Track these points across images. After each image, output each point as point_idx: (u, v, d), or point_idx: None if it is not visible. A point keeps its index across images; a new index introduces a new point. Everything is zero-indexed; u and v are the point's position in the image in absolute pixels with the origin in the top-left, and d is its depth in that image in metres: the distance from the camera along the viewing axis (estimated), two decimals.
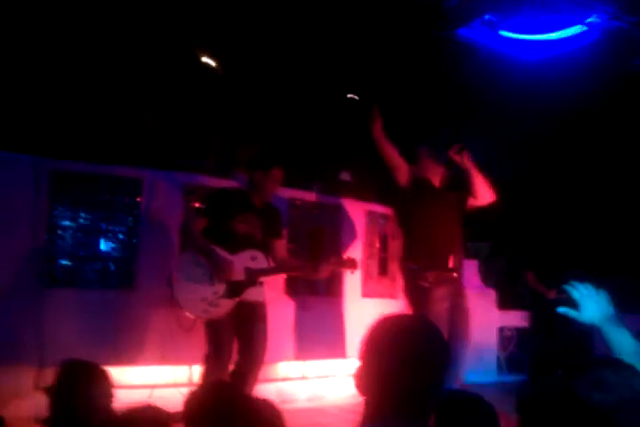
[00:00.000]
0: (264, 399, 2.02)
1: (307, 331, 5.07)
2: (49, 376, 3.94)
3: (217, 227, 3.75)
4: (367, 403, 1.47)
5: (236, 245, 3.73)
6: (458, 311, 4.12)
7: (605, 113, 7.07)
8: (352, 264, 3.97)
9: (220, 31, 5.58)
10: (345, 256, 4.20)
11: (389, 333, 1.48)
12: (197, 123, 5.48)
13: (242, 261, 3.72)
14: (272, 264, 3.90)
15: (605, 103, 6.95)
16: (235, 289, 3.69)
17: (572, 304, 1.94)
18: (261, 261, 3.80)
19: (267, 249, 3.88)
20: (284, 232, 4.28)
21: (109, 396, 2.23)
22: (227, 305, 3.67)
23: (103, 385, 2.23)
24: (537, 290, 5.28)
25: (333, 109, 6.47)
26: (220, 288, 3.66)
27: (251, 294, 3.76)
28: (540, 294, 5.25)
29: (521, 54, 6.94)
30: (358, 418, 1.49)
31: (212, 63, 5.69)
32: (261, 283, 3.83)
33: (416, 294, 4.09)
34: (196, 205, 4.55)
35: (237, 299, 3.69)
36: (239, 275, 3.70)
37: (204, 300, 3.62)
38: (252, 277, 3.73)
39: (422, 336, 1.48)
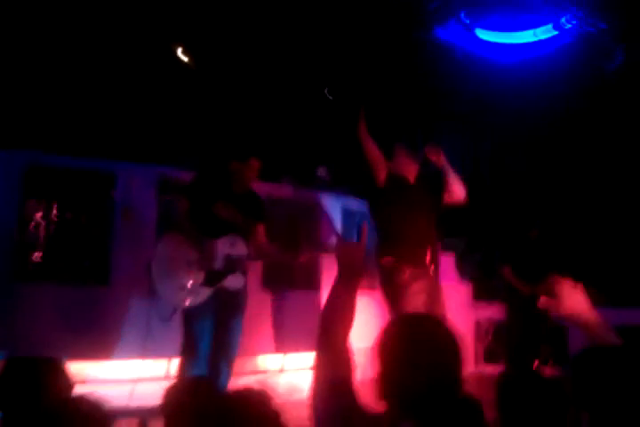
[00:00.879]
0: (251, 390, 1.91)
1: (286, 323, 5.06)
2: None
3: (198, 210, 3.67)
4: (392, 406, 1.47)
5: (217, 230, 3.67)
6: (434, 305, 4.14)
7: (580, 113, 7.21)
8: (331, 249, 3.96)
9: (195, 26, 5.56)
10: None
11: (405, 336, 1.50)
12: (172, 116, 5.44)
13: (222, 247, 3.67)
14: (251, 250, 3.82)
15: (580, 104, 7.09)
16: (214, 277, 3.63)
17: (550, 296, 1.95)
18: (240, 248, 3.74)
19: (247, 235, 3.81)
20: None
21: (66, 389, 2.08)
22: (206, 293, 3.60)
23: (55, 378, 2.08)
24: (512, 284, 5.34)
25: (312, 106, 6.50)
26: (200, 276, 3.60)
27: (231, 282, 3.70)
28: (515, 288, 5.31)
29: (496, 56, 7.05)
30: None
31: (185, 58, 5.67)
32: (243, 271, 3.78)
33: (392, 289, 4.10)
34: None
35: (217, 287, 3.63)
36: (219, 262, 3.64)
37: (183, 288, 3.55)
38: (232, 264, 3.68)
39: (440, 337, 1.50)
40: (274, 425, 1.62)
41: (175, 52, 5.68)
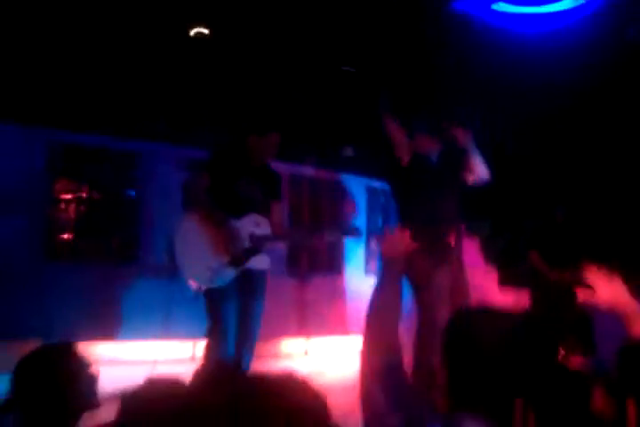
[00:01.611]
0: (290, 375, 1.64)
1: (308, 307, 5.08)
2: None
3: (219, 188, 3.57)
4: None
5: (240, 208, 3.57)
6: (458, 290, 4.12)
7: (606, 86, 7.02)
8: (356, 232, 3.96)
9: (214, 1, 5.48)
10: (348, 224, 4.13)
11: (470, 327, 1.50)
12: (196, 95, 5.39)
13: (246, 227, 3.56)
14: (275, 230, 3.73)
15: (606, 76, 6.90)
16: (240, 257, 3.54)
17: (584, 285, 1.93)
18: (265, 227, 3.64)
19: (267, 213, 3.72)
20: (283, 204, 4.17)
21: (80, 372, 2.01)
22: (231, 274, 3.52)
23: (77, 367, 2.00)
24: (539, 270, 5.28)
25: (331, 83, 6.42)
26: (225, 256, 3.51)
27: (256, 262, 3.61)
28: (542, 274, 5.25)
29: (517, 28, 6.86)
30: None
31: (205, 31, 5.60)
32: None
33: (415, 273, 4.07)
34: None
35: (242, 267, 3.54)
36: (244, 241, 3.54)
37: (209, 268, 3.47)
38: (257, 244, 3.58)
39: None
40: (319, 411, 1.59)
41: (194, 26, 5.62)
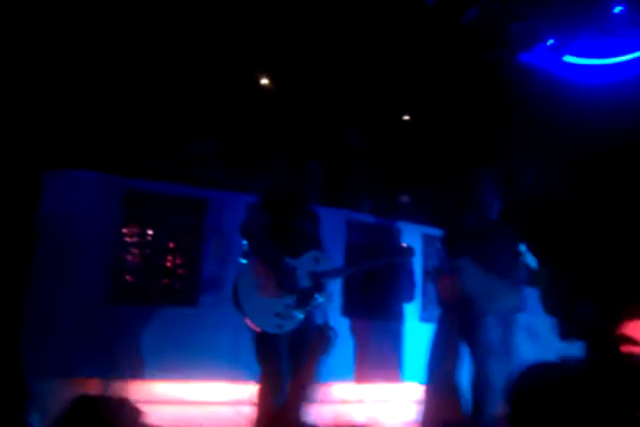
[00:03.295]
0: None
1: (363, 353, 5.08)
2: (116, 389, 4.14)
3: (277, 225, 3.53)
4: None
5: (299, 245, 3.55)
6: None
7: None
8: (409, 252, 3.99)
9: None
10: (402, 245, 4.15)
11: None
12: (259, 141, 5.59)
13: (305, 265, 3.53)
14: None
15: None
16: (304, 298, 3.49)
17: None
18: (324, 263, 3.62)
19: (323, 248, 3.70)
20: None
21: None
22: (300, 315, 3.48)
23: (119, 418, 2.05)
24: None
25: (389, 132, 6.53)
26: (291, 299, 3.47)
27: (320, 301, 3.56)
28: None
29: (582, 78, 6.86)
30: None
31: (267, 81, 5.83)
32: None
33: None
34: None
35: (308, 307, 3.51)
36: (305, 281, 3.51)
37: (278, 314, 3.42)
38: (318, 282, 3.54)
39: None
40: None
41: (260, 79, 5.86)
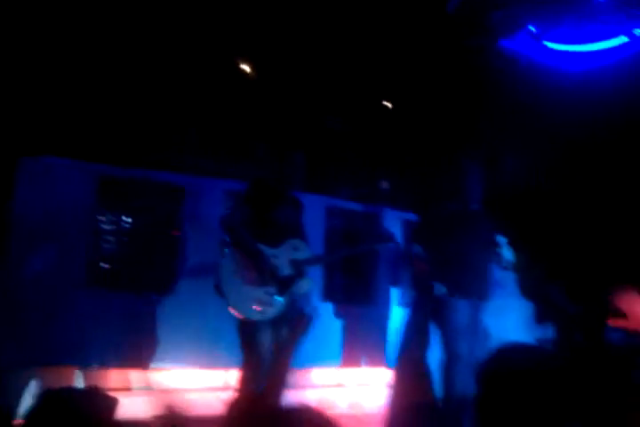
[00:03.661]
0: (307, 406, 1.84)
1: (346, 338, 5.10)
2: (92, 377, 4.12)
3: (258, 216, 3.68)
4: None
5: (278, 235, 3.69)
6: None
7: None
8: (390, 238, 4.01)
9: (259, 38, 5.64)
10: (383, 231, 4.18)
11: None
12: (238, 127, 5.54)
13: (286, 254, 3.68)
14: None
15: None
16: (285, 285, 3.64)
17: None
18: (304, 251, 3.76)
19: (304, 237, 3.83)
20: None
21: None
22: (281, 302, 3.61)
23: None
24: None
25: (370, 118, 6.51)
26: (272, 286, 3.60)
27: (301, 287, 3.72)
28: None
29: (563, 65, 6.87)
30: None
31: (247, 68, 5.77)
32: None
33: None
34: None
35: (289, 293, 3.65)
36: (286, 269, 3.66)
37: (259, 301, 3.56)
38: (299, 269, 3.69)
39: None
40: None
41: (239, 64, 5.79)
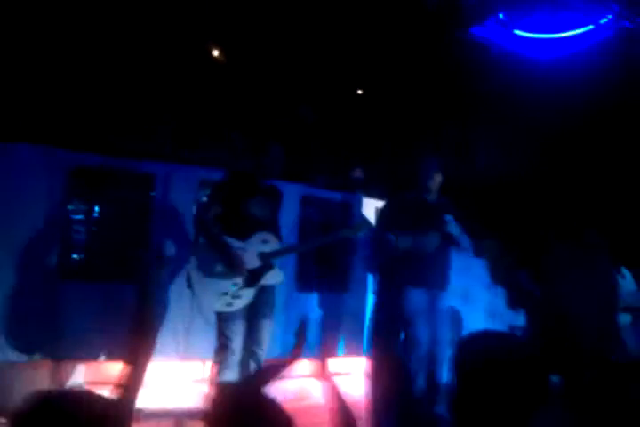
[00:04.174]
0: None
1: (323, 328, 5.08)
2: (65, 371, 4.03)
3: (228, 211, 3.72)
4: None
5: (247, 228, 3.73)
6: None
7: (617, 111, 7.05)
8: (366, 224, 4.06)
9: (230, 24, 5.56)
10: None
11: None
12: (212, 115, 5.48)
13: (254, 247, 3.73)
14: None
15: (617, 101, 6.93)
16: (253, 277, 3.70)
17: None
18: (273, 243, 3.80)
19: (274, 229, 3.87)
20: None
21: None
22: (249, 294, 3.69)
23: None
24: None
25: (344, 105, 6.49)
26: (239, 279, 3.67)
27: (270, 278, 3.77)
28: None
29: (532, 53, 6.93)
30: None
31: (217, 53, 5.70)
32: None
33: None
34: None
35: (258, 285, 3.71)
36: (254, 261, 3.70)
37: (226, 293, 3.64)
38: (268, 261, 3.74)
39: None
40: None
41: (211, 50, 5.71)
